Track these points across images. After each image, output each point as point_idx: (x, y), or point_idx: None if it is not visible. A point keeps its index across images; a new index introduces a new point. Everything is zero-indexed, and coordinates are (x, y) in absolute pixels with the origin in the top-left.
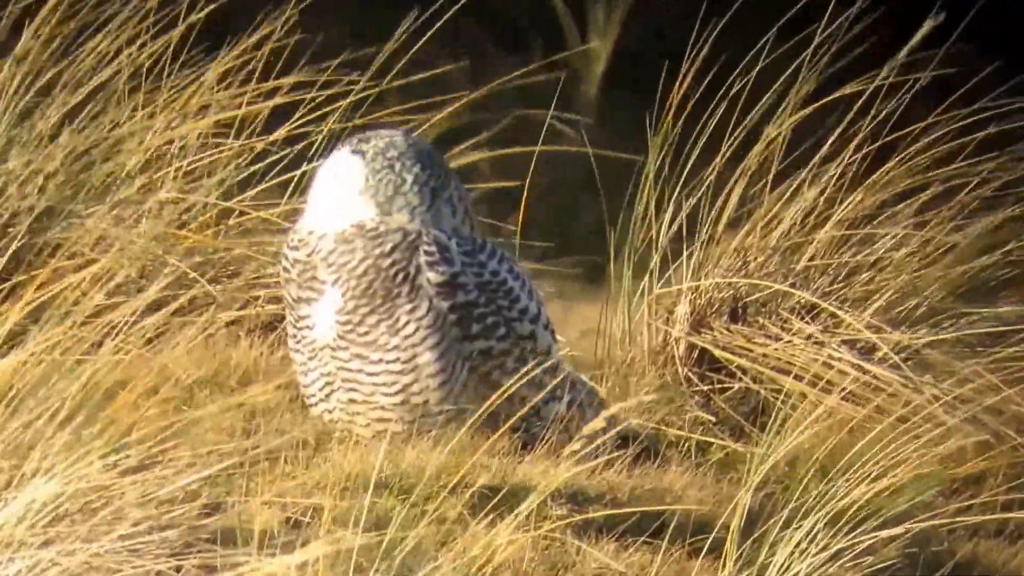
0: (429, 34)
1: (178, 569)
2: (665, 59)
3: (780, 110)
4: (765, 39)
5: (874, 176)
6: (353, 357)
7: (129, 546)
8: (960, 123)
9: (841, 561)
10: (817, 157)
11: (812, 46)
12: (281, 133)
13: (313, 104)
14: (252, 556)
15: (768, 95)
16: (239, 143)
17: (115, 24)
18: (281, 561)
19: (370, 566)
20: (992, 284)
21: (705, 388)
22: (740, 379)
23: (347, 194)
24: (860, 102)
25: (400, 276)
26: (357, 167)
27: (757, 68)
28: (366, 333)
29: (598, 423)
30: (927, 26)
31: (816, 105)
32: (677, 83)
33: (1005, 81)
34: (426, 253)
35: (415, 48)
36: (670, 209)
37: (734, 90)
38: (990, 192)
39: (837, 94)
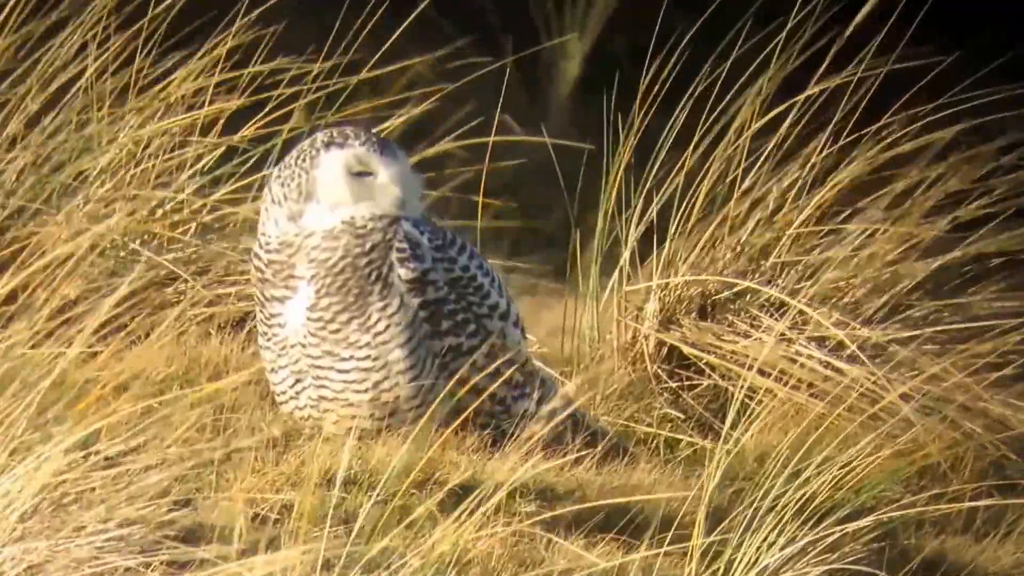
0: (411, 36)
1: (147, 565)
2: (641, 59)
3: (746, 105)
4: (736, 29)
5: (843, 172)
6: (324, 354)
7: (98, 542)
8: (927, 118)
9: (808, 555)
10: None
11: (781, 40)
12: (250, 131)
13: (282, 99)
14: (221, 553)
15: (735, 87)
16: (210, 140)
17: (82, 21)
18: (250, 560)
19: (338, 562)
20: (960, 280)
21: (674, 385)
22: (709, 376)
23: (333, 192)
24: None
25: (374, 274)
26: (339, 165)
27: (728, 63)
28: (337, 330)
29: (556, 402)
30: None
31: (785, 105)
32: (642, 77)
33: (971, 74)
34: (398, 250)
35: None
36: (639, 206)
37: (703, 86)
38: (957, 187)
39: (807, 92)
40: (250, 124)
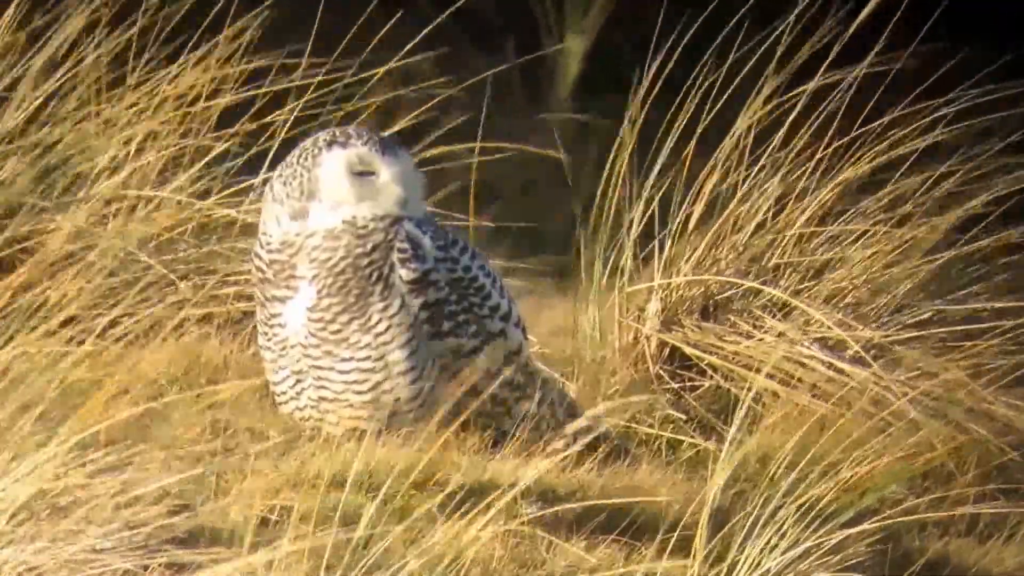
0: (412, 35)
1: (146, 568)
2: (642, 58)
3: (749, 104)
4: (737, 28)
5: (845, 172)
6: (324, 354)
7: (98, 545)
8: (929, 117)
9: (811, 558)
10: (787, 152)
11: (784, 38)
12: (248, 127)
13: (281, 99)
14: (221, 555)
15: (734, 84)
16: (208, 138)
17: (79, 17)
18: (249, 561)
19: (339, 564)
20: (962, 280)
21: (676, 386)
22: (711, 377)
23: (335, 192)
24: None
25: (375, 275)
26: (341, 165)
27: (728, 62)
28: (338, 331)
29: (582, 422)
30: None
31: (787, 99)
32: (643, 76)
33: (975, 74)
34: (399, 251)
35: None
36: (640, 206)
37: (706, 85)
38: (960, 186)
39: (809, 86)
40: (245, 122)
